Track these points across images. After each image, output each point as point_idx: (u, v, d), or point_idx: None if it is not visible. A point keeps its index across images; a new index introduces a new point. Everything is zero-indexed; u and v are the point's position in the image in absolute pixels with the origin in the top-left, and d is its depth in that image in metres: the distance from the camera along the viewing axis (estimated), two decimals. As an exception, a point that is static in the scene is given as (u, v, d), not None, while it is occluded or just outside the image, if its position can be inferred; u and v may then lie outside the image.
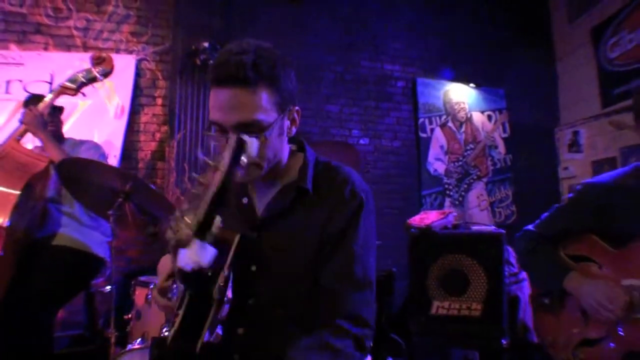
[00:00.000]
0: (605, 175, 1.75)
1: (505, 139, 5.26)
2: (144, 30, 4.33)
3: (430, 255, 2.66)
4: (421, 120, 4.93)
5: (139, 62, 4.26)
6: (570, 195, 1.81)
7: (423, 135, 4.91)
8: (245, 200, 1.29)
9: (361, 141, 4.72)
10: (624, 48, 4.76)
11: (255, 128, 1.09)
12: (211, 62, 4.07)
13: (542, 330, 1.84)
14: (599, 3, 5.09)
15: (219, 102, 1.10)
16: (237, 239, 1.05)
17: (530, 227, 1.90)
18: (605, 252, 1.65)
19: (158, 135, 4.29)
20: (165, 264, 1.23)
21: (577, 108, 5.34)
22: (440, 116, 5.01)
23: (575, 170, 5.28)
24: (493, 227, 3.12)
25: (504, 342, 2.46)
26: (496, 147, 5.20)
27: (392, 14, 5.04)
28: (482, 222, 4.80)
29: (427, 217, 2.81)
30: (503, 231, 2.60)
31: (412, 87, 4.99)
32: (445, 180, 4.89)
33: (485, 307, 2.51)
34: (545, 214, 1.87)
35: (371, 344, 1.14)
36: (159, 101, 4.33)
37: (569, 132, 5.42)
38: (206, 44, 4.13)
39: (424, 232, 2.69)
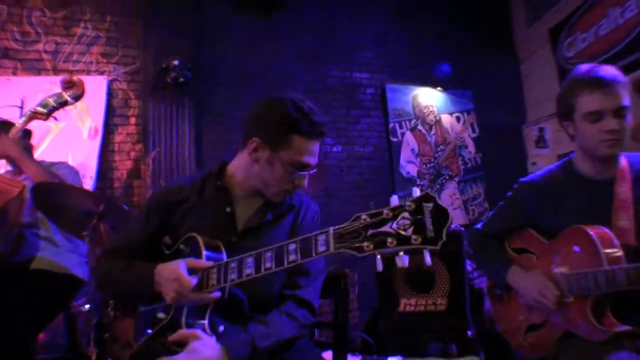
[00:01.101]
0: (538, 173, 1.88)
1: (474, 139, 5.42)
2: (114, 50, 4.38)
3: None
4: (392, 125, 5.06)
5: (110, 83, 4.31)
6: (509, 194, 1.94)
7: (394, 139, 5.04)
8: (228, 209, 1.54)
9: (334, 149, 4.82)
10: (578, 47, 4.97)
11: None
12: (181, 79, 4.22)
13: (497, 319, 1.97)
14: (554, 6, 5.31)
15: (314, 151, 1.49)
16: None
17: (479, 225, 2.04)
18: (539, 244, 1.80)
19: (133, 153, 4.33)
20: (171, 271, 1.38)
21: (542, 106, 5.52)
22: (410, 120, 5.15)
23: (542, 165, 5.44)
24: (454, 225, 3.23)
25: (469, 333, 2.59)
26: (466, 147, 5.36)
27: (361, 25, 5.19)
28: (457, 220, 4.95)
29: None
30: (462, 229, 2.75)
31: (381, 93, 5.13)
32: (419, 181, 5.02)
33: (450, 302, 2.67)
34: (491, 212, 2.01)
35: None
36: (133, 120, 4.38)
37: (535, 129, 5.60)
38: (176, 62, 4.21)
39: None
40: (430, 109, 5.27)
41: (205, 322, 1.35)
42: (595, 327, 1.49)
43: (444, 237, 1.02)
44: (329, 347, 1.72)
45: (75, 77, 2.82)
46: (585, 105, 1.62)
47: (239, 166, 1.59)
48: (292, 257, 1.22)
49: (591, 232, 1.55)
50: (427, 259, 1.07)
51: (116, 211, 2.38)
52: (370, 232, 1.09)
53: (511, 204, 1.93)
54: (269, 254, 1.27)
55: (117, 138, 4.32)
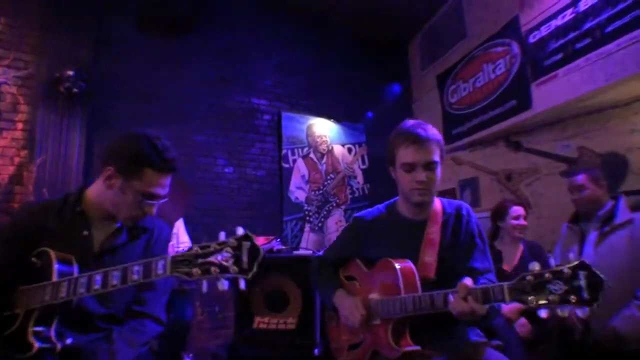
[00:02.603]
0: (369, 210, 2.16)
1: (364, 170, 5.82)
2: (5, 53, 4.32)
3: (255, 275, 2.99)
4: (285, 151, 5.34)
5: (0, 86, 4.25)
6: (347, 225, 2.22)
7: (286, 165, 5.32)
8: (85, 232, 1.70)
9: (226, 170, 5.01)
10: (460, 95, 5.52)
11: None
12: (75, 90, 4.25)
13: (329, 338, 2.22)
14: (443, 55, 5.86)
15: (164, 184, 1.70)
16: None
17: (320, 253, 2.31)
18: (362, 273, 2.05)
19: (17, 159, 4.27)
20: None
21: (428, 144, 5.99)
22: (302, 148, 5.46)
23: (424, 199, 5.92)
24: (310, 251, 3.51)
25: (316, 351, 2.83)
26: (355, 177, 5.74)
27: (264, 52, 5.45)
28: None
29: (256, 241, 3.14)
30: (315, 254, 3.01)
31: (277, 120, 5.40)
32: (306, 207, 5.31)
33: (300, 321, 2.90)
34: (333, 241, 2.28)
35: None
36: (20, 125, 4.33)
37: (421, 165, 6.08)
38: (71, 72, 4.23)
39: None
40: (324, 138, 5.61)
41: (52, 332, 1.49)
42: (392, 346, 1.73)
43: (255, 269, 1.36)
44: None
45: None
46: (402, 157, 1.86)
47: (96, 191, 1.74)
48: (134, 277, 1.44)
49: (396, 265, 1.80)
50: (242, 284, 1.36)
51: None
52: (200, 260, 1.38)
53: (346, 235, 2.19)
54: (115, 273, 1.46)
55: (2, 142, 4.25)
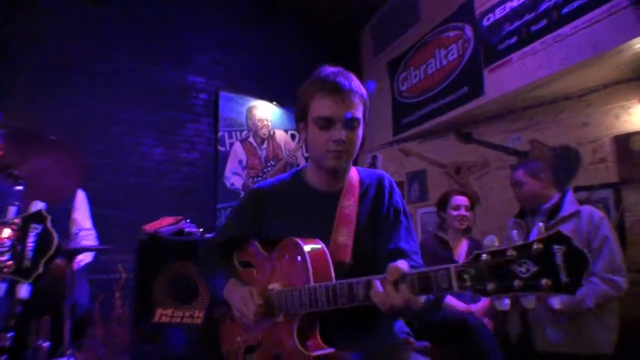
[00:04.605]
0: (270, 180, 1.75)
1: (307, 158, 5.44)
2: None
3: (157, 261, 2.57)
4: (221, 133, 4.89)
5: None
6: (241, 198, 1.80)
7: (222, 148, 4.88)
8: None
9: (155, 151, 4.53)
10: (410, 82, 5.24)
11: None
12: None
13: (221, 340, 1.77)
14: (394, 41, 5.56)
15: None
16: None
17: (211, 235, 1.87)
18: (260, 257, 1.64)
19: None
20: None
21: (378, 134, 5.72)
22: (241, 131, 5.03)
23: (371, 192, 5.62)
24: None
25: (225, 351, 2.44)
26: (298, 165, 5.35)
27: (201, 27, 4.98)
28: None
29: (160, 223, 2.72)
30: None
31: (214, 100, 4.95)
32: (242, 194, 4.89)
33: (208, 315, 2.47)
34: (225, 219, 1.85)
35: None
36: None
37: (370, 156, 5.80)
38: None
39: (152, 237, 2.59)
40: (265, 122, 5.20)
41: None
42: (298, 350, 1.34)
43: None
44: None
45: None
46: (317, 109, 1.49)
47: None
48: None
49: (303, 246, 1.41)
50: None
51: None
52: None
53: (241, 211, 1.77)
54: None
55: None
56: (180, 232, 2.67)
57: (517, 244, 0.98)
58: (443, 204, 3.30)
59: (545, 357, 2.62)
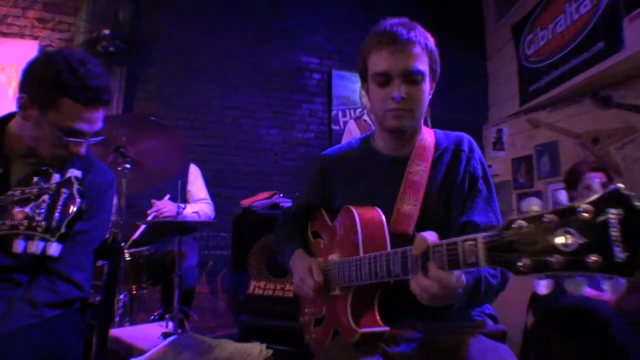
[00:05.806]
0: (337, 146, 1.67)
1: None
2: (50, 16, 4.32)
3: (252, 235, 2.65)
4: (335, 112, 4.90)
5: (42, 48, 4.25)
6: (312, 167, 1.75)
7: (336, 127, 4.88)
8: (0, 169, 1.44)
9: (271, 131, 4.70)
10: (537, 45, 4.73)
11: None
12: (112, 49, 4.16)
13: (300, 310, 1.75)
14: (518, 1, 5.06)
15: (89, 118, 1.43)
16: None
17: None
18: (325, 227, 1.57)
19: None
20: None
21: (503, 106, 5.31)
22: (355, 109, 4.99)
23: (498, 169, 5.25)
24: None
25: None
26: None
27: (311, 7, 5.02)
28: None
29: (256, 198, 2.79)
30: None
31: (328, 79, 4.97)
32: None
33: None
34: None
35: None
36: (62, 87, 4.33)
37: (495, 130, 5.39)
38: (107, 32, 4.15)
39: (245, 212, 2.67)
40: (379, 99, 5.09)
41: None
42: (349, 325, 1.25)
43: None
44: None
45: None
46: (374, 64, 1.38)
47: (16, 123, 1.49)
48: None
49: (356, 215, 1.32)
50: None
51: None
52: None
53: (310, 180, 1.71)
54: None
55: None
56: (274, 205, 2.73)
57: (561, 207, 0.75)
58: (573, 180, 2.86)
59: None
